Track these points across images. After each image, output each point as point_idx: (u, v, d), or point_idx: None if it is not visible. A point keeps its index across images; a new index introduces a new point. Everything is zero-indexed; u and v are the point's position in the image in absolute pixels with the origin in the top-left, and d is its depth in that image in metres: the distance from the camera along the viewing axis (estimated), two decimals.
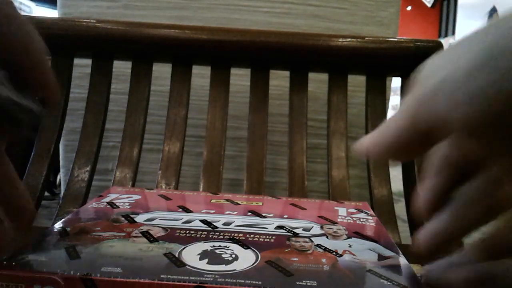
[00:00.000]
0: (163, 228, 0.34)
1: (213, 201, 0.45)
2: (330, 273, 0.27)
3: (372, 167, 0.69)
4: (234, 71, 0.73)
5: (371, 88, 0.74)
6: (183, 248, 0.29)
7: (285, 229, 0.35)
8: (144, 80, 0.71)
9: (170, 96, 0.71)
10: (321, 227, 0.37)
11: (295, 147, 0.70)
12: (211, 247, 0.30)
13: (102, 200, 0.42)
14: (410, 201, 0.67)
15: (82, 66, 0.78)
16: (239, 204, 0.44)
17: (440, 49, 0.71)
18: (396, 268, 0.29)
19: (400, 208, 0.68)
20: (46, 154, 0.66)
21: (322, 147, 0.77)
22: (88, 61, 0.72)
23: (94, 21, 0.70)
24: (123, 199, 0.43)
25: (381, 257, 0.30)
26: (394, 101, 1.21)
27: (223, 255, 0.28)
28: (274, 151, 0.85)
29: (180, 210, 0.40)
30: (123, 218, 0.36)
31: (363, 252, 0.31)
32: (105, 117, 0.71)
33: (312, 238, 0.33)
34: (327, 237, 0.34)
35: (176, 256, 0.28)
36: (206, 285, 0.24)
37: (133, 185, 0.66)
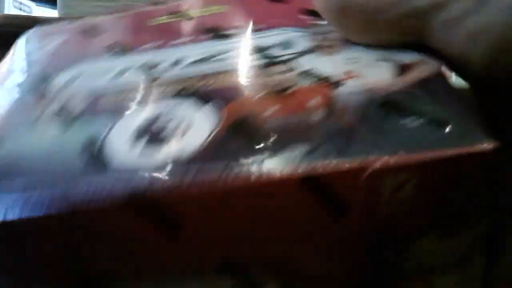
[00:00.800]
0: (86, 94, 0.21)
1: (152, 22, 0.28)
2: (322, 126, 0.17)
3: None
4: None
5: None
6: (111, 129, 0.19)
7: (256, 53, 0.23)
8: None
9: None
10: (306, 34, 0.23)
11: None
12: (150, 117, 0.19)
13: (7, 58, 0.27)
14: None
15: None
16: (192, 18, 0.27)
17: None
18: (424, 83, 0.17)
19: None
20: None
21: None
22: None
23: None
24: (40, 49, 0.28)
25: (400, 69, 0.18)
26: None
27: (167, 128, 0.18)
28: None
29: (113, 50, 0.26)
30: (32, 91, 0.23)
31: (372, 69, 0.19)
32: None
33: (295, 61, 0.21)
34: (316, 53, 0.21)
35: (99, 146, 0.18)
36: (138, 195, 0.16)
37: None
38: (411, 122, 0.16)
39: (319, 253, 0.17)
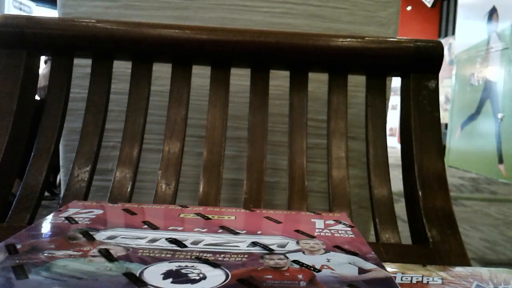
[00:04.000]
0: (124, 247, 0.31)
1: (181, 215, 0.42)
2: None
3: (372, 167, 0.69)
4: (234, 71, 0.73)
5: (371, 88, 0.74)
6: (145, 268, 0.27)
7: (259, 246, 0.34)
8: (144, 80, 0.71)
9: (170, 96, 0.71)
10: (297, 242, 0.36)
11: (295, 147, 0.70)
12: (176, 267, 0.28)
13: (60, 215, 0.40)
14: (410, 201, 0.67)
15: (82, 66, 0.78)
16: (210, 219, 0.42)
17: (440, 49, 0.71)
18: (378, 281, 0.29)
19: (400, 208, 0.68)
20: (46, 154, 0.66)
21: (322, 147, 0.77)
22: (88, 61, 0.72)
23: (94, 21, 0.70)
24: (83, 214, 0.41)
25: (362, 271, 0.30)
26: (394, 101, 1.21)
27: (189, 275, 0.27)
28: (274, 151, 0.85)
29: (146, 226, 0.38)
30: (81, 235, 0.34)
31: (342, 266, 0.30)
32: (105, 117, 0.71)
33: (287, 255, 0.32)
34: (303, 252, 0.33)
35: (137, 275, 0.26)
36: None
37: (133, 185, 0.66)
38: None
39: None
